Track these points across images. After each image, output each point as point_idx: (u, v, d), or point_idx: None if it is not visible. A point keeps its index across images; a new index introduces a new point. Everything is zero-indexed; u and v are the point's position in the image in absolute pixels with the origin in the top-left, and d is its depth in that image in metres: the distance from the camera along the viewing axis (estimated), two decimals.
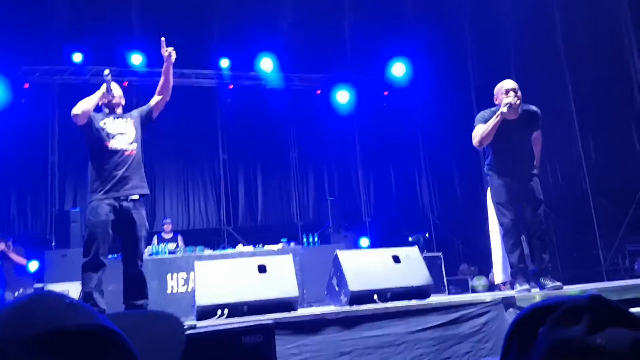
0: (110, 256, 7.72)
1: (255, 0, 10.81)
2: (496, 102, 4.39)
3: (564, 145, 9.43)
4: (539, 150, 4.53)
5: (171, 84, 4.49)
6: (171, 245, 8.43)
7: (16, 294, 7.84)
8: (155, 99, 4.47)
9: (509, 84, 4.35)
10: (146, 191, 4.24)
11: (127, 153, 4.16)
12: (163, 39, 4.24)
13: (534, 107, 4.48)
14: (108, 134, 4.18)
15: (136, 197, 4.12)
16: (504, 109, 4.15)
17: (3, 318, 0.52)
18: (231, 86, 11.16)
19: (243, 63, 11.05)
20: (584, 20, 8.99)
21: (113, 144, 4.17)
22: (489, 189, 4.63)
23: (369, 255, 4.79)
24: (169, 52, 4.33)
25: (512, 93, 4.25)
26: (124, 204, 4.06)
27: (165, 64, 4.41)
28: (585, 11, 8.92)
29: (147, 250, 8.13)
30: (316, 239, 8.96)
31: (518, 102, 4.22)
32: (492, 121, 4.21)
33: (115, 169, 4.07)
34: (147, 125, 4.52)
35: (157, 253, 8.02)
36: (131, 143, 4.22)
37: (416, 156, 12.30)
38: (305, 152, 11.72)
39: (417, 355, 3.31)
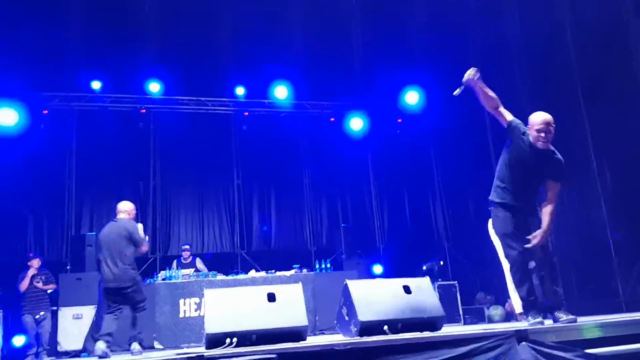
0: None
1: (270, 29, 11.01)
2: (528, 132, 4.23)
3: (580, 173, 9.32)
4: (549, 212, 4.19)
5: None
6: (189, 271, 8.45)
7: (37, 316, 7.88)
8: None
9: (541, 118, 4.16)
10: None
11: None
12: None
13: (558, 158, 4.25)
14: None
15: None
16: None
17: None
18: (246, 113, 11.30)
19: (258, 91, 11.20)
20: (598, 44, 8.97)
21: None
22: (489, 222, 4.53)
23: (380, 285, 4.75)
24: None
25: (543, 134, 4.11)
26: None
27: None
28: (600, 35, 8.91)
29: (161, 275, 8.17)
30: (329, 265, 8.92)
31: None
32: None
33: None
34: None
35: (170, 278, 8.04)
36: None
37: (430, 183, 12.26)
38: (319, 179, 11.76)
39: None
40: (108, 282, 5.98)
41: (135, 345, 5.86)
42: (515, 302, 5.18)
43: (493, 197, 4.38)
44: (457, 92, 4.33)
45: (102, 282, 6.14)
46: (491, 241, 5.08)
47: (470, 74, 4.23)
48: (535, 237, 4.11)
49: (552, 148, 4.26)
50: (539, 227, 4.18)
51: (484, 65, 11.11)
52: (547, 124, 4.13)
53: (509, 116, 4.28)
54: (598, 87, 9.11)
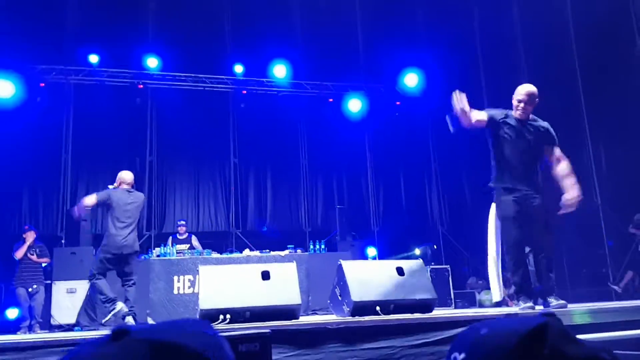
0: None
1: (269, 7, 10.90)
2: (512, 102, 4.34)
3: (575, 158, 9.30)
4: (567, 171, 4.27)
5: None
6: (184, 246, 8.46)
7: (30, 289, 7.90)
8: None
9: (523, 90, 4.27)
10: None
11: None
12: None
13: (544, 123, 4.37)
14: None
15: None
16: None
17: None
18: (244, 92, 11.23)
19: (257, 69, 11.13)
20: (598, 28, 8.92)
21: None
22: (492, 205, 4.56)
23: (373, 266, 4.79)
24: None
25: (521, 104, 4.22)
26: None
27: None
28: (600, 18, 8.85)
29: (156, 252, 8.20)
30: (323, 247, 8.95)
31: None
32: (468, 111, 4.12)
33: None
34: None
35: (165, 254, 8.07)
36: None
37: (427, 167, 12.27)
38: (315, 160, 11.75)
39: None
40: (118, 248, 5.99)
41: (130, 319, 5.90)
42: (494, 290, 5.20)
43: (493, 181, 4.41)
44: (451, 127, 4.32)
45: (107, 248, 6.02)
46: (485, 226, 5.10)
47: (457, 101, 4.10)
48: (572, 201, 4.15)
49: (534, 117, 4.36)
50: (542, 210, 4.23)
51: (485, 48, 11.14)
52: (529, 95, 4.25)
53: (482, 114, 4.28)
54: (597, 74, 9.10)
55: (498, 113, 4.33)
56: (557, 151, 4.36)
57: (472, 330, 0.72)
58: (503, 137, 4.29)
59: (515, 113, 4.29)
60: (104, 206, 6.19)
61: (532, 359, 0.63)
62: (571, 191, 4.19)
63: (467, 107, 4.12)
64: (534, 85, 4.41)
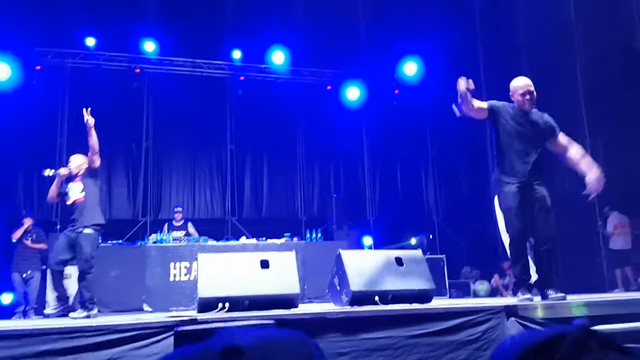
0: (113, 242, 7.84)
1: None
2: (512, 99, 4.37)
3: None
4: (580, 153, 4.32)
5: (94, 142, 5.63)
6: (180, 233, 8.44)
7: (24, 275, 7.87)
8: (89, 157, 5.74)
9: (523, 83, 4.31)
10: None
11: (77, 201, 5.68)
12: (86, 110, 5.55)
13: (545, 115, 4.39)
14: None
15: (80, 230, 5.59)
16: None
17: None
18: (242, 78, 11.15)
19: (255, 55, 11.05)
20: (600, 18, 8.89)
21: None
22: (496, 197, 4.56)
23: (372, 256, 4.78)
24: (87, 120, 5.52)
25: (527, 96, 4.24)
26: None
27: (87, 129, 5.55)
28: (602, 8, 8.82)
29: (152, 238, 8.17)
30: (319, 235, 8.95)
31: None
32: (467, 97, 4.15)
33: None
34: (93, 173, 5.80)
35: (161, 241, 8.04)
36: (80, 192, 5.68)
37: (424, 156, 12.26)
38: (312, 147, 11.71)
39: None
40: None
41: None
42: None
43: (496, 173, 4.41)
44: (457, 112, 4.32)
45: (101, 227, 5.73)
46: (487, 214, 5.12)
47: (462, 86, 4.15)
48: (596, 180, 4.16)
49: (535, 109, 4.38)
50: (545, 201, 4.22)
51: (485, 39, 11.09)
52: (529, 86, 4.32)
53: (484, 104, 4.33)
54: (596, 64, 9.07)
55: (501, 105, 4.36)
56: (562, 138, 4.38)
57: (501, 344, 0.71)
58: (505, 129, 4.30)
59: (524, 106, 4.29)
60: (93, 173, 5.79)
61: None
62: (592, 170, 4.20)
63: (469, 94, 4.15)
64: (537, 73, 4.42)
